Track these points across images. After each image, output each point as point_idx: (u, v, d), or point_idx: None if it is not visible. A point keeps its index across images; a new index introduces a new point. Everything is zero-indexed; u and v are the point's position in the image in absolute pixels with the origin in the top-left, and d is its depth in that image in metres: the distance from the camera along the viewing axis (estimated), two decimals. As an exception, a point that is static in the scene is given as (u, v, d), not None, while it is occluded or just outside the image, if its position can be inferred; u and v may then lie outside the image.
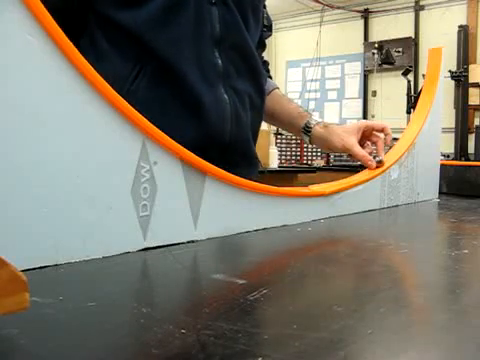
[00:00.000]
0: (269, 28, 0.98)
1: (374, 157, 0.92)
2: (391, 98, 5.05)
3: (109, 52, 0.76)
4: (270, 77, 1.07)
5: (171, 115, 0.76)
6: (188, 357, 0.27)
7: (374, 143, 0.97)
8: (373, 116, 5.27)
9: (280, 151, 4.84)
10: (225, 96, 0.81)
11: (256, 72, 0.89)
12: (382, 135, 0.97)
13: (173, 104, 0.76)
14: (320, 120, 1.03)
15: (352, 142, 0.94)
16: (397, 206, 0.97)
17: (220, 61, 0.81)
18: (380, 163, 0.92)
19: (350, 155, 0.97)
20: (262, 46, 0.99)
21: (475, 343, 0.30)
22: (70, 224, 0.45)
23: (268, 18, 0.99)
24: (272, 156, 3.14)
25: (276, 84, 1.10)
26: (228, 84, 0.82)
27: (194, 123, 0.77)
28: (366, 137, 0.98)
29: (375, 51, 5.01)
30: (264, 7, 0.96)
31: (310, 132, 0.99)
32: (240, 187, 0.62)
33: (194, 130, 0.77)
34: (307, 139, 1.01)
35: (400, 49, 4.97)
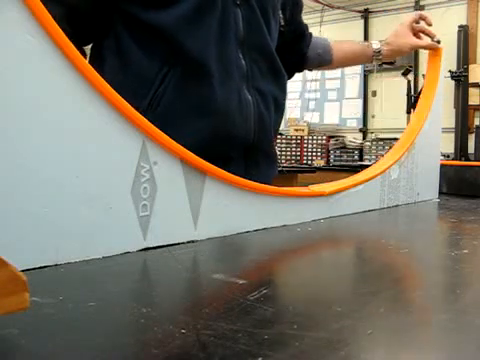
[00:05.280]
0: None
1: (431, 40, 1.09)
2: (391, 98, 5.04)
3: (135, 53, 0.75)
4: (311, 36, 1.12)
5: (196, 116, 0.76)
6: (188, 357, 0.26)
7: (423, 32, 1.11)
8: (373, 116, 5.27)
9: (280, 151, 4.85)
10: (249, 97, 0.81)
11: (279, 73, 0.90)
12: (422, 22, 1.11)
13: (199, 105, 0.77)
14: (377, 41, 1.17)
15: (414, 41, 1.09)
16: (397, 206, 0.97)
17: (244, 62, 0.81)
18: (439, 42, 1.09)
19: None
20: (300, 36, 1.05)
21: (475, 343, 0.30)
22: (70, 224, 0.45)
23: (304, 23, 1.07)
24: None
25: (324, 38, 1.17)
26: (252, 85, 0.83)
27: (219, 124, 0.78)
28: (413, 29, 1.11)
29: (375, 51, 5.02)
30: (300, 11, 1.03)
31: (380, 55, 1.14)
32: (240, 187, 0.62)
33: (219, 130, 0.78)
34: (378, 62, 1.18)
35: (400, 49, 4.98)
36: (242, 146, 0.82)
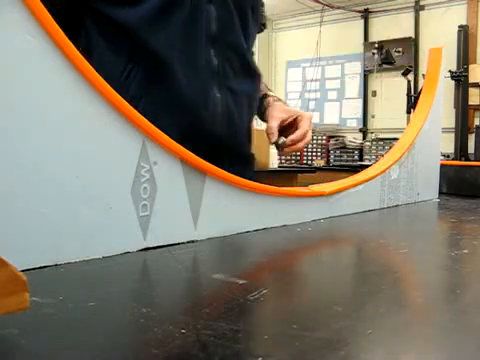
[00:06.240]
0: (265, 25, 0.99)
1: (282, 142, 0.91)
2: (391, 98, 5.04)
3: (104, 49, 0.76)
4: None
5: (162, 113, 0.74)
6: (188, 357, 0.26)
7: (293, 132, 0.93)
8: (373, 116, 5.27)
9: (280, 151, 4.84)
10: (218, 95, 0.81)
11: (253, 72, 0.89)
12: (298, 132, 0.92)
13: (164, 103, 0.76)
14: (274, 95, 1.02)
15: (275, 116, 0.92)
16: (397, 206, 0.97)
17: (216, 60, 0.80)
18: (281, 145, 0.90)
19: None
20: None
21: (475, 343, 0.30)
22: (70, 224, 0.45)
23: (264, 16, 0.99)
24: (272, 156, 3.14)
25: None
26: (224, 84, 0.82)
27: (183, 122, 0.77)
28: (295, 127, 0.93)
29: (375, 51, 5.01)
30: (262, 5, 0.96)
31: (263, 100, 0.98)
32: (240, 187, 0.62)
33: (185, 128, 0.76)
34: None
35: (400, 49, 4.97)
36: (210, 145, 0.79)
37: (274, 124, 0.90)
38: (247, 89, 0.87)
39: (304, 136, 0.91)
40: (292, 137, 0.90)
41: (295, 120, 0.93)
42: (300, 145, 0.92)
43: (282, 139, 0.89)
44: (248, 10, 0.85)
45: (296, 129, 0.92)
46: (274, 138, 0.89)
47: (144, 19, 0.74)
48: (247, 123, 0.90)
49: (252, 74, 0.90)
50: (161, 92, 0.76)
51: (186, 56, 0.77)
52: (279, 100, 1.00)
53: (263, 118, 1.00)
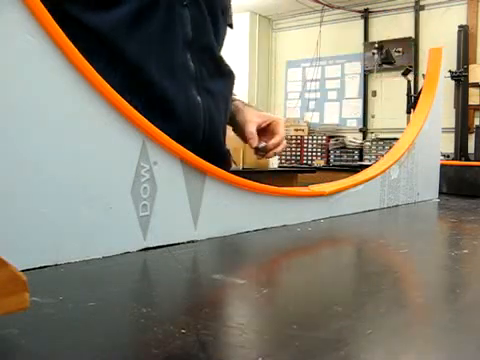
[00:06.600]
0: (231, 26, 0.99)
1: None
2: (391, 98, 5.04)
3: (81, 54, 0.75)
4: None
5: (144, 116, 0.75)
6: (188, 357, 0.26)
7: (271, 137, 0.96)
8: (373, 116, 5.27)
9: (280, 151, 4.84)
10: (198, 98, 0.81)
11: (226, 73, 0.91)
12: (278, 137, 0.96)
13: (144, 107, 0.76)
14: (239, 99, 1.04)
15: (253, 121, 0.95)
16: (397, 206, 0.97)
17: (192, 63, 0.81)
18: (261, 150, 0.93)
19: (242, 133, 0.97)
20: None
21: (475, 343, 0.30)
22: (70, 224, 0.45)
23: (231, 17, 0.99)
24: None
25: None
26: (201, 86, 0.82)
27: (166, 126, 0.77)
28: (270, 132, 0.97)
29: (375, 51, 5.01)
30: (229, 7, 0.97)
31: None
32: (240, 187, 0.62)
33: (166, 130, 0.77)
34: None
35: (400, 49, 4.97)
36: (192, 146, 0.80)
37: (253, 129, 0.94)
38: (222, 89, 0.89)
39: (282, 141, 0.96)
40: (273, 141, 0.94)
41: (269, 125, 0.97)
42: (279, 149, 0.96)
43: (262, 143, 0.93)
44: (218, 12, 0.86)
45: (272, 133, 0.96)
46: (255, 143, 0.93)
47: (119, 24, 0.73)
48: (224, 123, 0.92)
49: (226, 74, 0.91)
50: (141, 97, 0.75)
51: (163, 60, 0.77)
52: (247, 105, 1.02)
53: (229, 122, 1.00)
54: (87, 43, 0.75)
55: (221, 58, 0.90)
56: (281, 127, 0.97)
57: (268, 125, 0.97)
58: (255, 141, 0.93)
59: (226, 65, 0.92)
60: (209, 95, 0.84)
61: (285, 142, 0.98)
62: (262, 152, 0.94)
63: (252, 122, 0.95)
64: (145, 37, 0.75)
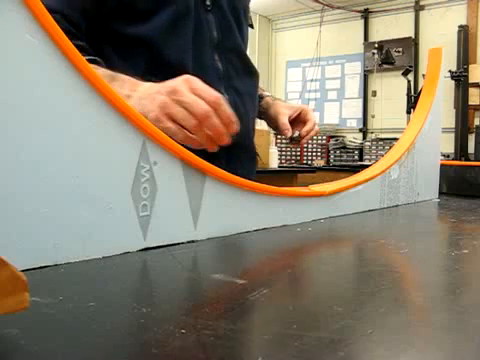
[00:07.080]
0: (252, 26, 1.04)
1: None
2: (391, 98, 5.04)
3: (120, 65, 0.78)
4: None
5: None
6: (188, 357, 0.26)
7: (303, 125, 1.02)
8: (373, 116, 5.26)
9: (280, 151, 4.84)
10: (226, 96, 0.84)
11: (252, 71, 0.95)
12: (310, 124, 1.02)
13: None
14: (270, 94, 1.10)
15: (284, 113, 1.01)
16: (397, 206, 0.97)
17: (220, 64, 0.86)
18: (295, 139, 0.99)
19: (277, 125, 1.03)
20: None
21: (475, 343, 0.30)
22: (70, 224, 0.45)
23: (250, 17, 1.05)
24: (272, 156, 3.13)
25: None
26: (229, 85, 0.87)
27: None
28: (301, 120, 1.03)
29: (375, 51, 5.00)
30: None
31: (261, 101, 1.06)
32: (240, 187, 0.62)
33: None
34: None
35: (400, 49, 4.97)
36: (225, 147, 0.83)
37: (285, 120, 1.00)
38: (249, 88, 0.93)
39: (314, 126, 1.02)
40: (306, 128, 0.99)
41: (299, 115, 1.02)
42: (312, 134, 1.01)
43: (297, 132, 0.99)
44: (241, 13, 0.91)
45: (303, 122, 1.01)
46: (290, 132, 0.98)
47: (159, 31, 0.79)
48: (252, 122, 0.96)
49: (252, 73, 0.95)
50: None
51: (197, 63, 0.82)
52: (277, 99, 1.08)
53: (262, 117, 1.08)
54: (127, 55, 0.80)
55: (247, 57, 0.94)
56: (311, 114, 1.02)
57: (298, 114, 1.02)
58: (289, 131, 0.98)
59: (252, 65, 0.96)
60: (237, 94, 0.89)
61: (317, 127, 1.03)
62: (296, 140, 0.99)
63: (284, 114, 1.01)
64: (181, 41, 0.81)
